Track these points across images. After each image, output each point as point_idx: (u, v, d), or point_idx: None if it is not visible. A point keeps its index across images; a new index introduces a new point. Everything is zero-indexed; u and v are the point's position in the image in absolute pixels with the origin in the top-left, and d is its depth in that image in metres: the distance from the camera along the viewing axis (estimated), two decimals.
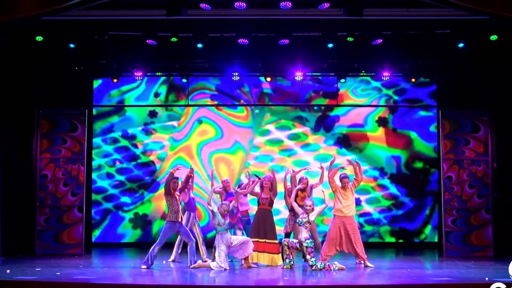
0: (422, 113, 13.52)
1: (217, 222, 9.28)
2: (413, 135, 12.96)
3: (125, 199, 12.73)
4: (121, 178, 12.62)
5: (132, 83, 11.89)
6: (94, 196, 13.12)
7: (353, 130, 12.74)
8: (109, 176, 12.75)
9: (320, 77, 13.09)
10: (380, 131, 12.63)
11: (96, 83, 12.70)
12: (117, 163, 11.98)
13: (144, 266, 9.38)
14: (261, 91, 11.57)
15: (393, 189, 13.66)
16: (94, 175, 12.59)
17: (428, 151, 13.47)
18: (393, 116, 13.27)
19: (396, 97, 13.71)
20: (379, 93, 13.62)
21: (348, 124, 12.69)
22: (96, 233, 13.31)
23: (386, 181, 13.62)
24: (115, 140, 12.25)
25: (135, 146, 12.21)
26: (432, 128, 13.46)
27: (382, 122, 13.26)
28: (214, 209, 9.28)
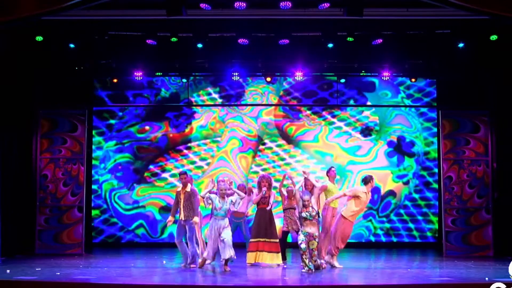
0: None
1: (214, 207, 9.14)
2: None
3: None
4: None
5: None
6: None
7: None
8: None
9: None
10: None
11: None
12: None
13: (193, 265, 9.53)
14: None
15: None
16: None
17: None
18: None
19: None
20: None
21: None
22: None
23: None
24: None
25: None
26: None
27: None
28: (211, 196, 9.17)
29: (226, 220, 9.20)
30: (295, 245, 9.98)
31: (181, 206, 9.50)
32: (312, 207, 8.98)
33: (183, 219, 9.47)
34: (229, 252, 8.96)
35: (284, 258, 10.26)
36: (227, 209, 9.19)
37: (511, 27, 10.34)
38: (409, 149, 13.97)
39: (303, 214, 8.97)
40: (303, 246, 8.82)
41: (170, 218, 9.63)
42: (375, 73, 13.04)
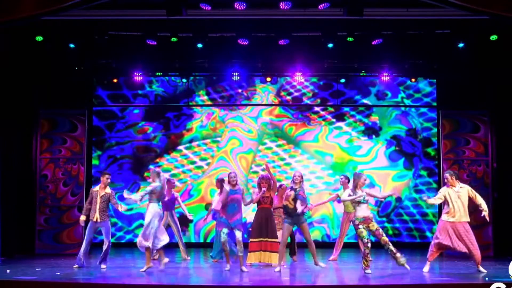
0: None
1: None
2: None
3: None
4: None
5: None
6: None
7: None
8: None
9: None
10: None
11: None
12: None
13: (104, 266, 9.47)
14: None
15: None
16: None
17: None
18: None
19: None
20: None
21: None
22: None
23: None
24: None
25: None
26: None
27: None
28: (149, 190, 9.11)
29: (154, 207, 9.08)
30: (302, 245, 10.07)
31: (97, 208, 9.47)
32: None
33: (98, 220, 9.48)
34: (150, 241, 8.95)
35: (294, 253, 10.46)
36: (145, 195, 9.10)
37: (511, 27, 10.35)
38: (409, 149, 13.98)
39: (358, 199, 8.70)
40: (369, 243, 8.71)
41: (83, 217, 9.63)
42: (375, 73, 13.05)
